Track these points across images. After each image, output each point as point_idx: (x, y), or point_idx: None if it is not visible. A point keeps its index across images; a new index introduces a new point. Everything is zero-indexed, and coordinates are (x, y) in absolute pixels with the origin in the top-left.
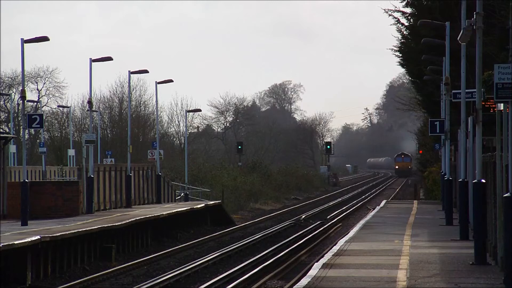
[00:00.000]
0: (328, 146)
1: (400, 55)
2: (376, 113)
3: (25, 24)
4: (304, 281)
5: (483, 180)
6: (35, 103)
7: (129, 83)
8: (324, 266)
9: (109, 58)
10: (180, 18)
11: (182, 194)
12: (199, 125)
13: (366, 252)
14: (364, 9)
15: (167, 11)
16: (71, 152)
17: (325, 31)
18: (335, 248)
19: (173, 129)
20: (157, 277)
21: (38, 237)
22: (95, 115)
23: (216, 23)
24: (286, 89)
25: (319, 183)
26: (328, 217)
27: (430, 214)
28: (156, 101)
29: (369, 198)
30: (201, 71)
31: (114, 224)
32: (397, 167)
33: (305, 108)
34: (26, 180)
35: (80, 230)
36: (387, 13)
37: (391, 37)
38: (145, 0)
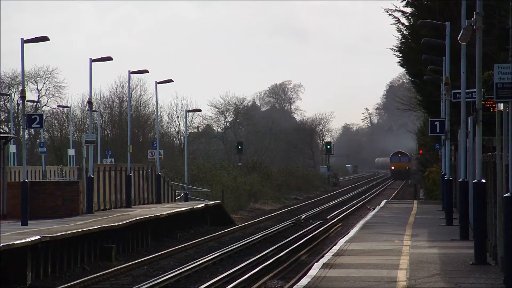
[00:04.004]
0: (328, 146)
1: (400, 55)
2: (376, 113)
3: (24, 24)
4: (304, 281)
5: (483, 180)
6: (35, 103)
7: (129, 83)
8: (324, 266)
9: (109, 58)
10: (177, 18)
11: (182, 194)
12: (199, 125)
13: (366, 252)
14: (360, 9)
15: (163, 11)
16: (71, 152)
17: (322, 32)
18: (335, 248)
19: (173, 129)
20: (157, 277)
21: (38, 237)
22: (95, 115)
23: (213, 23)
24: (286, 89)
25: (319, 183)
26: (328, 217)
27: (430, 214)
28: (156, 101)
29: (369, 198)
30: (201, 71)
31: (114, 224)
32: (393, 167)
33: (305, 108)
34: (26, 180)
35: (80, 230)
36: (387, 12)
37: (390, 36)
38: (141, 0)
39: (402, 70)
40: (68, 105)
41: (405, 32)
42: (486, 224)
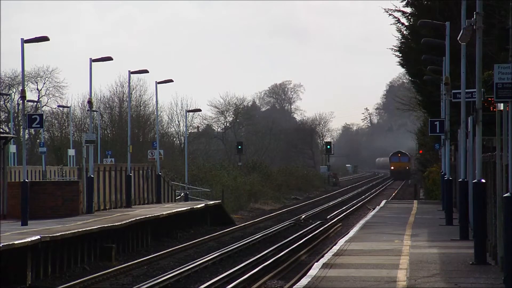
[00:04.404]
0: (328, 146)
1: (400, 55)
2: (376, 113)
3: (24, 24)
4: (304, 281)
5: (483, 180)
6: (35, 103)
7: (129, 83)
8: (324, 266)
9: (109, 58)
10: (177, 18)
11: (182, 194)
12: (199, 125)
13: (366, 252)
14: (360, 9)
15: (162, 11)
16: (71, 152)
17: (322, 32)
18: (335, 248)
19: (173, 129)
20: (157, 277)
21: (38, 237)
22: (95, 115)
23: (213, 23)
24: (286, 89)
25: (319, 183)
26: (328, 217)
27: (430, 214)
28: (156, 101)
29: (369, 198)
30: (201, 71)
31: (114, 224)
32: (392, 168)
33: (305, 108)
34: (26, 180)
35: (80, 230)
36: (387, 12)
37: (390, 36)
38: (140, 0)
39: (402, 70)
40: (68, 105)
41: (405, 32)
42: (486, 224)
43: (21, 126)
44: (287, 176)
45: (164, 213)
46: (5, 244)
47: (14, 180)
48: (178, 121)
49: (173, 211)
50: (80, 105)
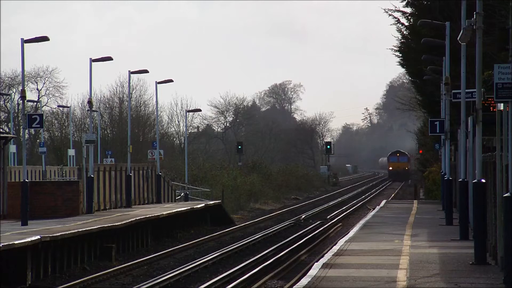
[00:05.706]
0: (328, 146)
1: (400, 55)
2: (376, 113)
3: (23, 24)
4: (304, 281)
5: (483, 180)
6: (35, 103)
7: (129, 83)
8: (324, 266)
9: (109, 58)
10: (176, 18)
11: (182, 194)
12: (199, 125)
13: (366, 252)
14: (360, 9)
15: (161, 11)
16: (71, 152)
17: (321, 31)
18: (335, 248)
19: (173, 129)
20: (157, 277)
21: (38, 237)
22: (95, 115)
23: (212, 23)
24: (286, 89)
25: (319, 183)
26: (328, 217)
27: (430, 214)
28: (156, 101)
29: (369, 198)
30: (201, 71)
31: (114, 224)
32: (390, 168)
33: (305, 108)
34: (26, 180)
35: (80, 230)
36: (387, 13)
37: (389, 36)
38: (139, 0)
39: (402, 70)
40: (68, 105)
41: (405, 32)
42: (486, 224)
43: (21, 126)
44: (287, 176)
45: (164, 213)
46: (5, 244)
47: (14, 180)
48: (178, 121)
49: (173, 211)
50: (80, 105)
